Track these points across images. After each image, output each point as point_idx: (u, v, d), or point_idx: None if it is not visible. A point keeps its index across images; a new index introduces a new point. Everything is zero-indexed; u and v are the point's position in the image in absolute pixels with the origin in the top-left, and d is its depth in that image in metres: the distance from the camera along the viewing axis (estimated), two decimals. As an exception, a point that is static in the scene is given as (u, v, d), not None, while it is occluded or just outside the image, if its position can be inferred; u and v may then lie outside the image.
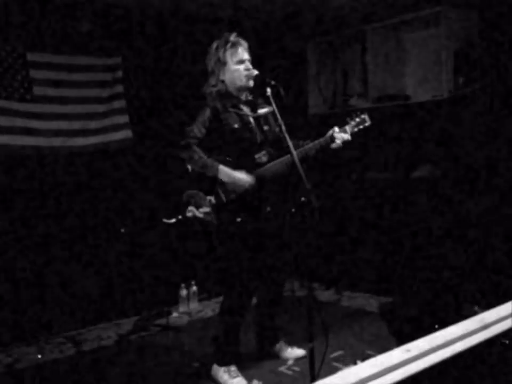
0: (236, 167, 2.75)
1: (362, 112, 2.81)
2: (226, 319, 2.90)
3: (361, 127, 2.78)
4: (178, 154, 2.75)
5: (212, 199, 2.75)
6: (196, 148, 2.71)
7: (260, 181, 2.77)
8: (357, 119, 2.78)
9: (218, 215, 2.74)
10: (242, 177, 2.73)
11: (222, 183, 2.74)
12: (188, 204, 2.77)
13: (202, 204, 2.74)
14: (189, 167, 2.75)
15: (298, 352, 3.17)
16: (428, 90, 4.19)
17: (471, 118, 3.79)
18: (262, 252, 2.93)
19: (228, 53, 2.79)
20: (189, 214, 2.73)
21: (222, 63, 2.80)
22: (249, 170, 2.76)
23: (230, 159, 2.76)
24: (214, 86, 2.83)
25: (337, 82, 4.94)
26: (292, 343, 3.22)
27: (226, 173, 2.72)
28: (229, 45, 2.80)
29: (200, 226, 2.77)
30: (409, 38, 4.45)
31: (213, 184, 2.76)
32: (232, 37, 2.83)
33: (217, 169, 2.71)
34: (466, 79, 3.86)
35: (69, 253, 3.77)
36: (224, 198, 2.75)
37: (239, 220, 2.72)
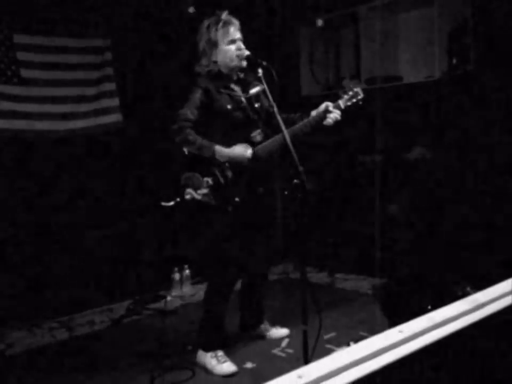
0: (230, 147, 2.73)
1: (355, 86, 2.74)
2: (212, 302, 2.89)
3: (354, 100, 2.71)
4: (172, 138, 2.71)
5: (209, 180, 2.73)
6: (189, 130, 2.68)
7: (256, 159, 2.75)
8: (350, 93, 2.72)
9: (216, 196, 2.72)
10: (240, 154, 2.72)
11: (219, 164, 2.72)
12: (186, 186, 2.75)
13: (200, 186, 2.72)
14: (185, 149, 2.73)
15: (282, 331, 3.21)
16: (421, 71, 4.16)
17: (464, 98, 3.77)
18: (256, 232, 2.93)
19: (219, 33, 2.75)
20: (187, 197, 2.72)
21: (213, 44, 2.76)
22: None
23: (225, 140, 2.73)
24: (206, 66, 2.79)
25: (329, 63, 4.90)
26: (284, 325, 3.24)
27: (223, 152, 2.70)
28: (221, 24, 2.76)
29: (199, 208, 2.75)
30: (402, 18, 4.39)
31: (209, 165, 2.73)
32: (224, 15, 2.78)
33: (213, 150, 2.69)
34: (460, 60, 3.83)
35: (60, 237, 3.73)
36: (221, 179, 2.73)
37: (237, 199, 2.70)
